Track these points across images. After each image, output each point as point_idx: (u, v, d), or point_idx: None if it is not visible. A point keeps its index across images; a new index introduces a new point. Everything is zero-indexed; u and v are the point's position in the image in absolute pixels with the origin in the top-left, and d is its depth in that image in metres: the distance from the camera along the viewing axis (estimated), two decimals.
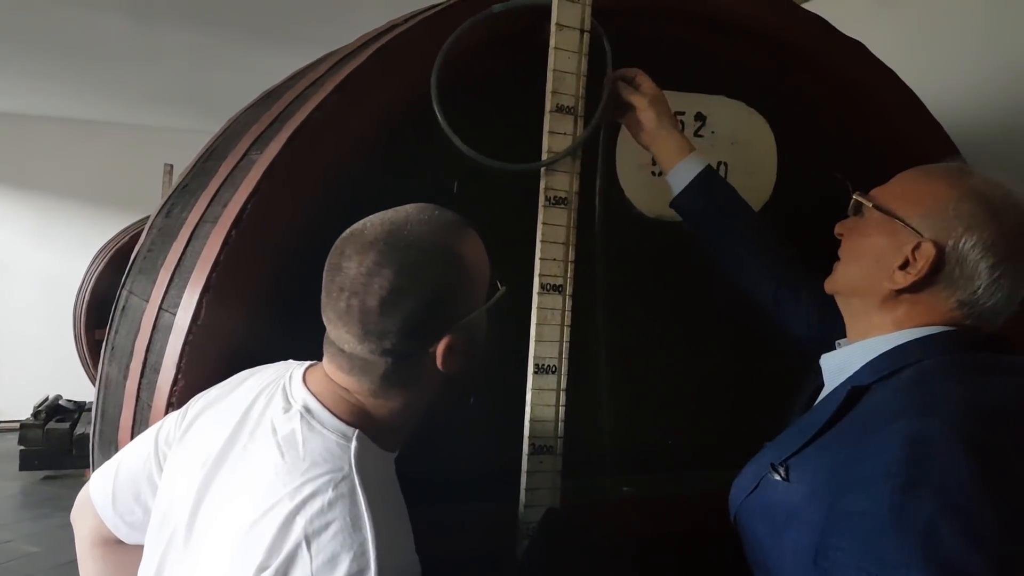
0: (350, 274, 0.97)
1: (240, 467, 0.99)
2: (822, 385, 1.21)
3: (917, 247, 1.06)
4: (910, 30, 2.40)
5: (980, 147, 1.77)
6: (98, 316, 5.62)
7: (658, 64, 1.52)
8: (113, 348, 1.87)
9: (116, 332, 1.91)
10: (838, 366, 1.16)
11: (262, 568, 0.87)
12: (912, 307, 1.10)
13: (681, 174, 1.43)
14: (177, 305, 1.30)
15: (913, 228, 1.08)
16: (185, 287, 1.30)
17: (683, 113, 1.55)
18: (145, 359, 1.41)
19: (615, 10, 1.43)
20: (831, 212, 1.69)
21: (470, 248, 1.04)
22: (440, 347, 1.00)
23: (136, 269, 1.97)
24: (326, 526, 0.89)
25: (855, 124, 1.68)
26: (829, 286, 1.21)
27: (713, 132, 1.57)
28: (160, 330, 1.40)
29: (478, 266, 1.04)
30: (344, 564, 0.87)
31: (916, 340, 1.08)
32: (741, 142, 1.60)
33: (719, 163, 1.58)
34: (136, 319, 1.59)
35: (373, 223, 1.01)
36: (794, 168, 1.65)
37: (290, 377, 1.07)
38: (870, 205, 1.14)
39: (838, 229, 1.21)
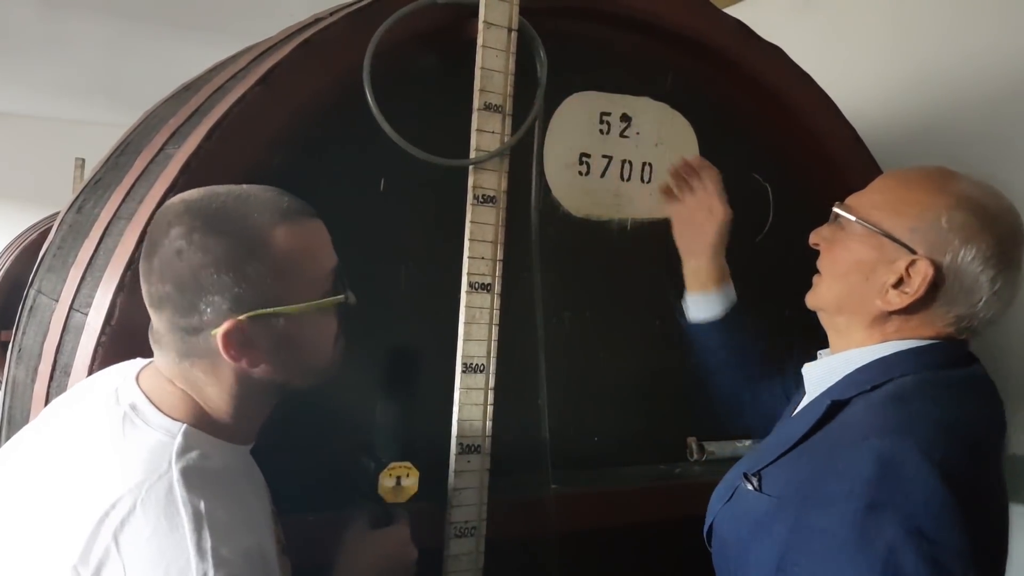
0: (150, 237, 0.93)
1: (67, 471, 0.93)
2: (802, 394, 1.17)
3: (912, 264, 0.98)
4: (824, 36, 2.49)
5: (888, 146, 1.84)
6: (3, 316, 5.36)
7: (586, 65, 1.54)
8: (20, 350, 1.79)
9: (23, 333, 1.84)
10: (820, 376, 1.11)
11: None
12: (904, 323, 1.02)
13: (712, 302, 1.43)
14: (89, 305, 1.25)
15: (904, 244, 0.99)
16: (98, 286, 1.25)
17: (609, 114, 1.56)
18: (55, 361, 1.35)
19: (543, 10, 1.43)
20: (751, 213, 1.74)
21: (288, 236, 0.93)
22: (220, 331, 0.91)
23: (45, 267, 1.89)
24: (137, 530, 0.83)
25: (773, 125, 1.73)
26: (811, 301, 1.13)
27: (638, 133, 1.59)
28: (71, 331, 1.35)
29: (294, 258, 0.94)
30: (159, 568, 0.82)
31: (899, 353, 1.02)
32: (665, 143, 1.63)
33: (644, 163, 1.60)
34: (45, 319, 1.53)
35: (194, 191, 0.96)
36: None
37: (126, 376, 1.01)
38: (853, 219, 1.05)
39: (813, 239, 1.13)
